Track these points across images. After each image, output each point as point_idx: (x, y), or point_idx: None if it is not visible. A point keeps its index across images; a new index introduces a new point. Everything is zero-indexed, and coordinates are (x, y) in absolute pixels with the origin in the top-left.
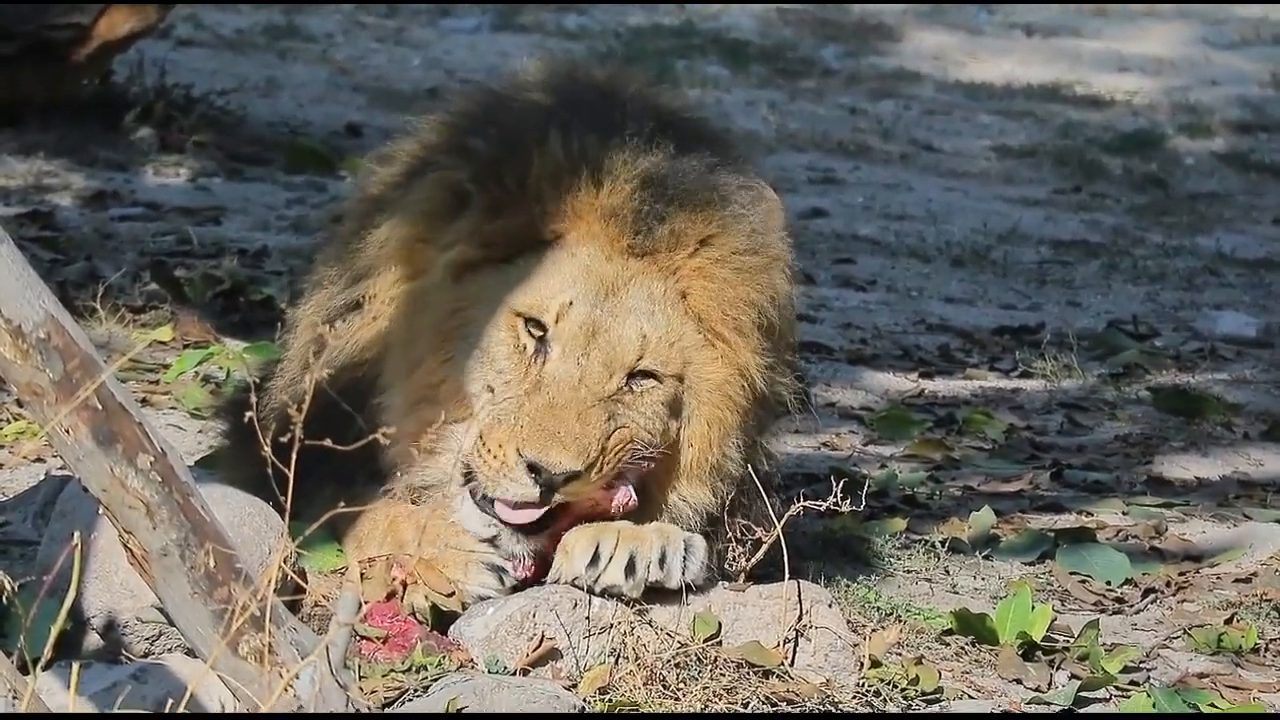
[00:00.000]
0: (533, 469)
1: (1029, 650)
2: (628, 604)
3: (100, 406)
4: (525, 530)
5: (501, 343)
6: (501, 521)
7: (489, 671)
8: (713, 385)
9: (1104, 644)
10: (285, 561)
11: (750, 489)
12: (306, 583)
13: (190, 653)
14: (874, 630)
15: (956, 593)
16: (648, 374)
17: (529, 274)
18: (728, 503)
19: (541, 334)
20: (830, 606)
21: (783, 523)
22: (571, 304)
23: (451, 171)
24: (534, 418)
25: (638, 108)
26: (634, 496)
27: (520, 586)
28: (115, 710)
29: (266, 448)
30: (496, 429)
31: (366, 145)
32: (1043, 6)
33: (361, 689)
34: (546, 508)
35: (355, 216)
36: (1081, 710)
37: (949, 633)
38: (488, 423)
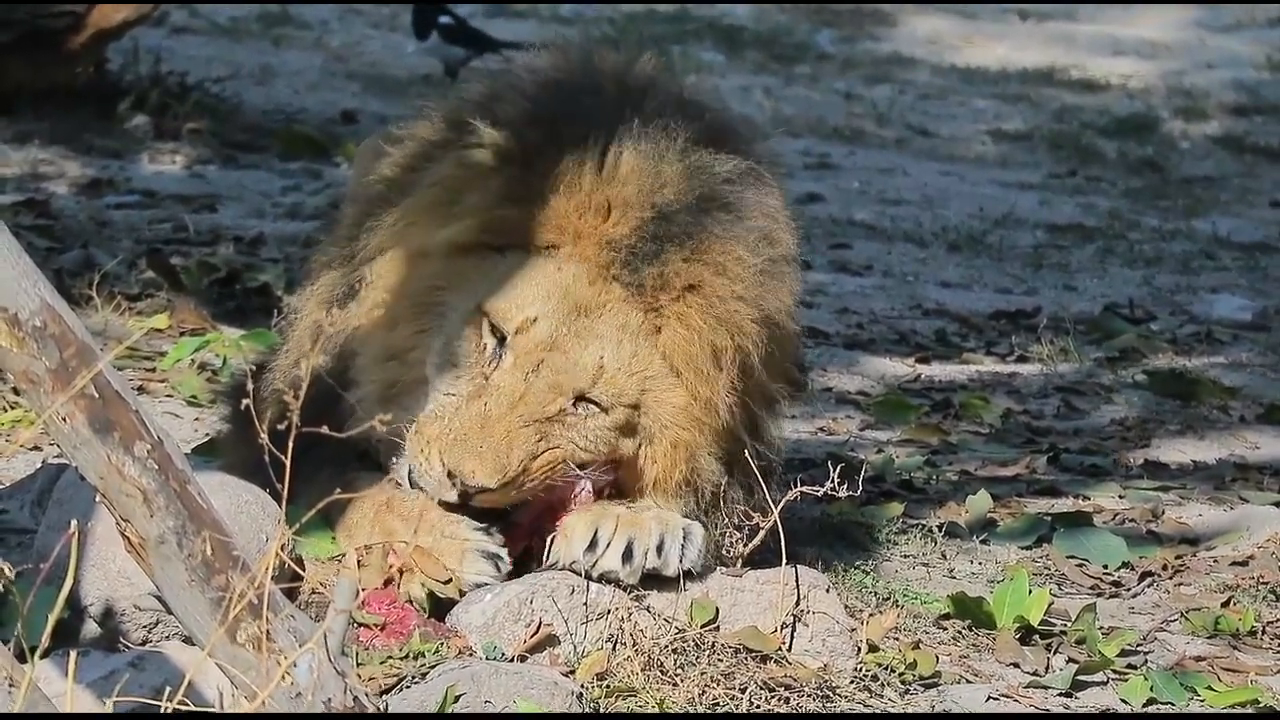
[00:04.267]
0: (449, 475)
1: (1026, 634)
2: (625, 590)
3: (97, 394)
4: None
5: (465, 337)
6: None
7: (487, 658)
8: (675, 409)
9: (1101, 627)
10: (282, 549)
11: (747, 475)
12: (304, 570)
13: (188, 640)
14: (871, 615)
15: (954, 577)
16: (595, 402)
17: (509, 275)
18: (708, 508)
19: (501, 339)
20: (828, 591)
21: (780, 508)
22: (535, 320)
23: (474, 150)
24: (463, 426)
25: (670, 103)
26: (590, 495)
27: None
28: (114, 698)
29: (264, 434)
30: (431, 423)
31: (361, 132)
32: None
33: (359, 676)
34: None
35: (363, 200)
36: (1074, 711)
37: (946, 617)
38: (426, 414)
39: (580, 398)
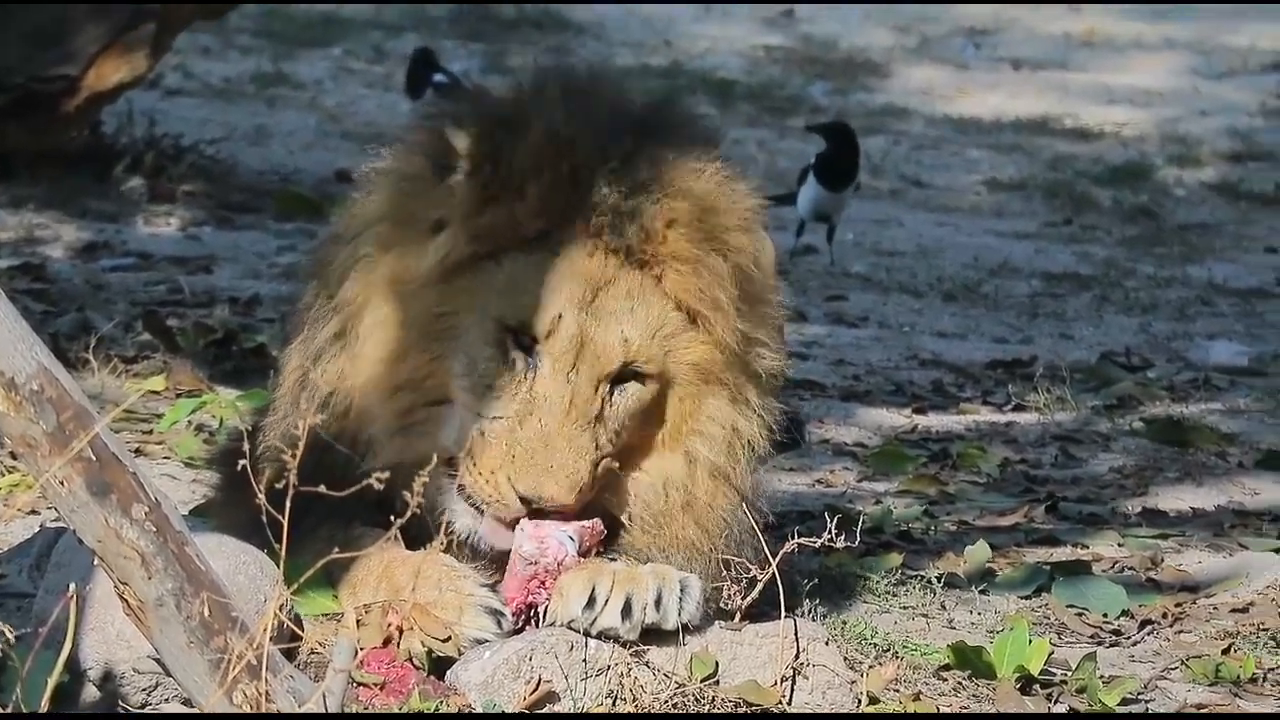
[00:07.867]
0: (525, 500)
1: (1027, 684)
2: (624, 646)
3: (94, 457)
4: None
5: (490, 358)
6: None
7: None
8: (688, 363)
9: (1102, 676)
10: (281, 609)
11: (744, 528)
12: (302, 629)
13: (187, 702)
14: (871, 666)
15: (953, 627)
16: (632, 375)
17: (516, 279)
18: (707, 477)
19: (531, 346)
20: (827, 644)
21: (778, 560)
22: (561, 317)
23: (429, 140)
24: (527, 448)
25: (612, 95)
26: (573, 554)
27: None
28: None
29: (260, 494)
30: (488, 451)
31: None
32: (1030, 40)
33: None
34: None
35: (330, 244)
36: None
37: (946, 668)
38: (478, 441)
39: (615, 380)
